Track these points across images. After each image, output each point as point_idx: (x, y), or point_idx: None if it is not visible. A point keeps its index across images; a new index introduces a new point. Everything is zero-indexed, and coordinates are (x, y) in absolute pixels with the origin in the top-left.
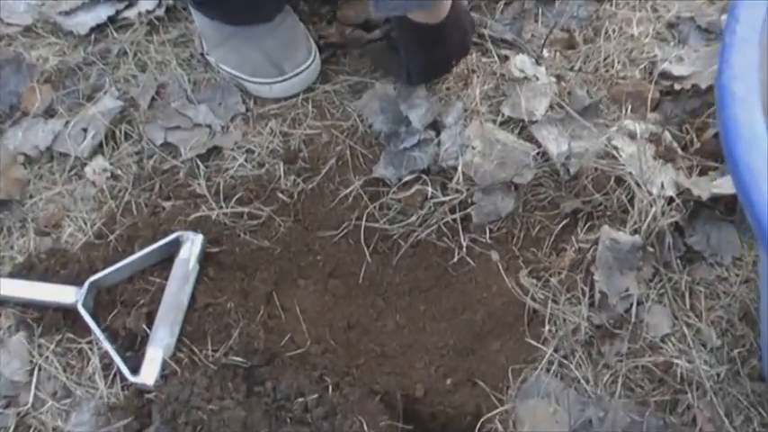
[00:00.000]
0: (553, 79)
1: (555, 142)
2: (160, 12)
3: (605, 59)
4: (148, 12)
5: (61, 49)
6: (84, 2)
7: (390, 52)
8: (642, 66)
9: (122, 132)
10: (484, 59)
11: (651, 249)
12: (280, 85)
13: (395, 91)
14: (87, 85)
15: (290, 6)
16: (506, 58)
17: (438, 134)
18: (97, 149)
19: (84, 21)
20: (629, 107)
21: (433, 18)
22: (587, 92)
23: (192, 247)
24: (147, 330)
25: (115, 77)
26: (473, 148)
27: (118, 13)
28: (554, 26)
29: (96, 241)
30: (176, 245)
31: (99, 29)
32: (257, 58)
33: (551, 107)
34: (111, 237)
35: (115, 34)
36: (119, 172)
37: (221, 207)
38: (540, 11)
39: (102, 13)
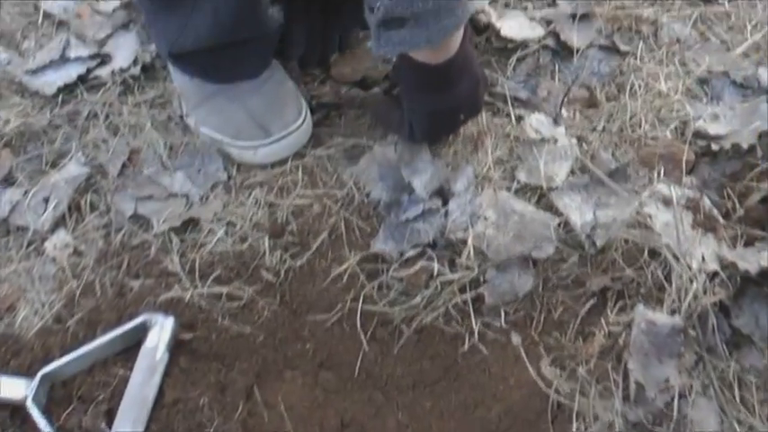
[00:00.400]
0: (574, 141)
1: (578, 211)
2: (135, 70)
3: (631, 119)
4: (123, 70)
5: (25, 110)
6: (53, 59)
7: (391, 104)
8: (673, 125)
9: (88, 203)
10: (496, 120)
11: (693, 332)
12: (266, 148)
13: (396, 154)
14: (52, 150)
15: (278, 62)
16: (521, 118)
17: (445, 203)
18: (59, 222)
19: (53, 80)
20: (662, 170)
21: (439, 57)
22: (613, 154)
23: (160, 332)
24: (107, 430)
25: (83, 142)
26: (485, 218)
27: (89, 71)
28: (573, 82)
29: (54, 326)
30: (143, 330)
31: (68, 89)
32: (241, 118)
33: (573, 172)
34: (71, 321)
35: (85, 95)
36: (82, 247)
37: (196, 287)
38: (557, 66)
39: (72, 72)
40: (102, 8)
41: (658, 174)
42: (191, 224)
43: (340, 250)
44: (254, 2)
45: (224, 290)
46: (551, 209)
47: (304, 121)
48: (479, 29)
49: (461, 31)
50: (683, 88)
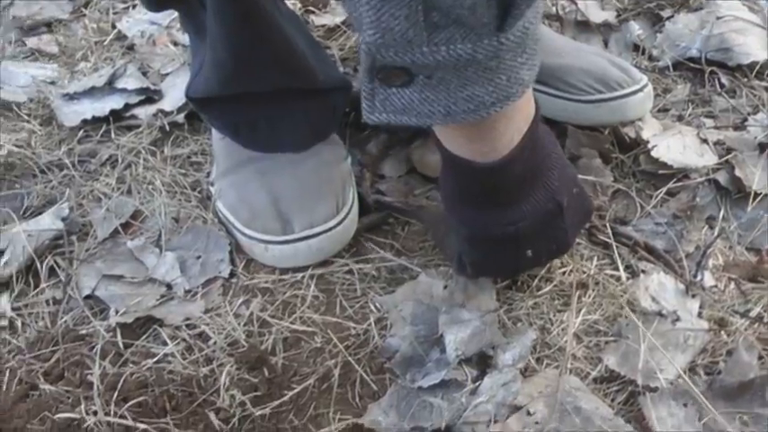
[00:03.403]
0: (704, 325)
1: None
2: (180, 117)
3: None
4: (165, 113)
5: (35, 138)
6: (96, 86)
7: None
8: None
9: (46, 268)
10: (608, 271)
11: None
12: (278, 247)
13: (445, 292)
14: (40, 194)
15: (339, 139)
16: (643, 273)
17: (482, 375)
18: (4, 285)
19: (81, 110)
20: None
21: (485, 152)
22: (759, 357)
23: None
24: None
25: (82, 191)
26: (528, 413)
27: (127, 107)
28: (716, 238)
29: None
30: None
31: (95, 123)
32: (260, 201)
33: (691, 369)
34: None
35: (113, 134)
36: (18, 323)
37: (107, 413)
38: (722, 213)
39: (106, 105)
40: (182, 39)
41: None
42: (150, 325)
43: (323, 408)
44: (274, 43)
45: (139, 426)
46: (639, 417)
47: (340, 223)
48: (625, 143)
49: (523, 120)
50: None
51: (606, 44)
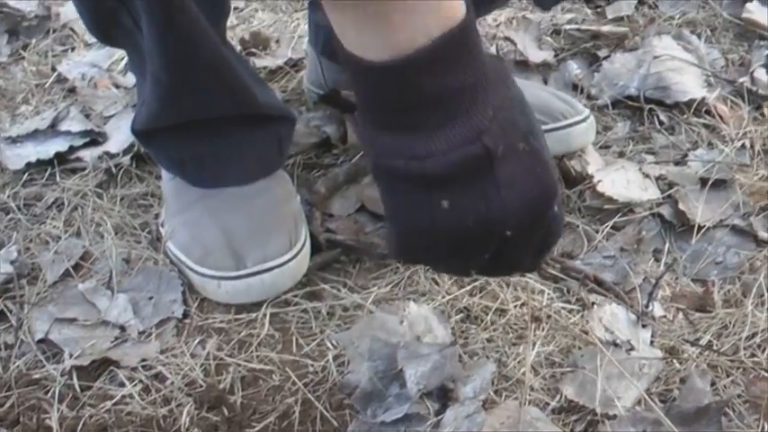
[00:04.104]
0: (659, 353)
1: None
2: (126, 159)
3: (752, 337)
4: (111, 156)
5: None
6: (39, 129)
7: None
8: None
9: None
10: (560, 304)
11: None
12: (231, 283)
13: (402, 327)
14: None
15: (286, 175)
16: (593, 305)
17: (444, 408)
18: None
19: (25, 153)
20: None
21: (375, 48)
22: (712, 383)
23: None
24: None
25: (29, 235)
26: None
27: (72, 150)
28: (666, 269)
29: None
30: None
31: (40, 167)
32: (213, 237)
33: (650, 397)
34: None
35: (59, 177)
36: None
37: None
38: (667, 246)
39: (51, 148)
40: (123, 81)
41: None
42: (105, 367)
43: None
44: (205, 50)
45: None
46: None
47: (293, 258)
48: (570, 178)
49: (434, 21)
50: None
51: (546, 83)
